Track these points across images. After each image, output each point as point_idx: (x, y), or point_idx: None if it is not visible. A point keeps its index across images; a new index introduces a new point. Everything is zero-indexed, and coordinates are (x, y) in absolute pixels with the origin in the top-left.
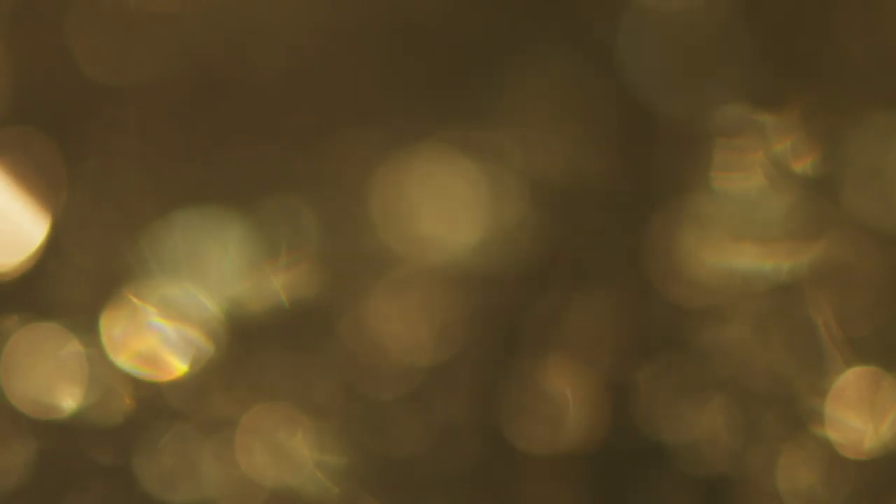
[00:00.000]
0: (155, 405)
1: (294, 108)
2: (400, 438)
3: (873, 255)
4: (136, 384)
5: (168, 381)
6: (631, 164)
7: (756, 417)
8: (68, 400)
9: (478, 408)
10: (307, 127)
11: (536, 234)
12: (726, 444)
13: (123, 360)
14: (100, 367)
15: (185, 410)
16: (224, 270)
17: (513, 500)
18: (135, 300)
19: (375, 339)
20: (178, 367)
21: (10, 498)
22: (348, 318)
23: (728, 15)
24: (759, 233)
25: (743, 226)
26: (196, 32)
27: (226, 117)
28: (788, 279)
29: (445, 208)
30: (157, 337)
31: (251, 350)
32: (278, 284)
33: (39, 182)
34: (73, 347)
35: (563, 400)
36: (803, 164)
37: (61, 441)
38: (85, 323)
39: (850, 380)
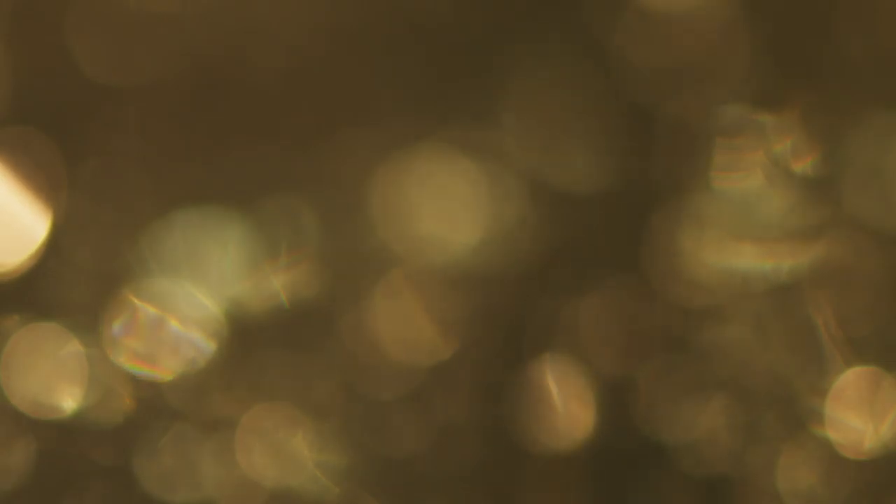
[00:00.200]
0: (155, 405)
1: (294, 108)
2: (400, 438)
3: (873, 255)
4: (136, 384)
5: (168, 380)
6: (631, 164)
7: (756, 417)
8: (68, 400)
9: (478, 408)
10: (307, 127)
11: (536, 234)
12: (726, 444)
13: (123, 360)
14: (100, 367)
15: (185, 410)
16: (224, 270)
17: (513, 500)
18: (135, 300)
19: (375, 339)
20: (177, 366)
21: (10, 498)
22: (348, 318)
23: (728, 15)
24: (759, 233)
25: (743, 226)
26: (196, 32)
27: (226, 117)
28: (788, 279)
29: (445, 208)
30: (157, 337)
31: (251, 350)
32: (278, 284)
33: (40, 182)
34: (73, 347)
35: (563, 400)
36: (803, 164)
37: (61, 441)
38: (85, 323)
39: (850, 380)
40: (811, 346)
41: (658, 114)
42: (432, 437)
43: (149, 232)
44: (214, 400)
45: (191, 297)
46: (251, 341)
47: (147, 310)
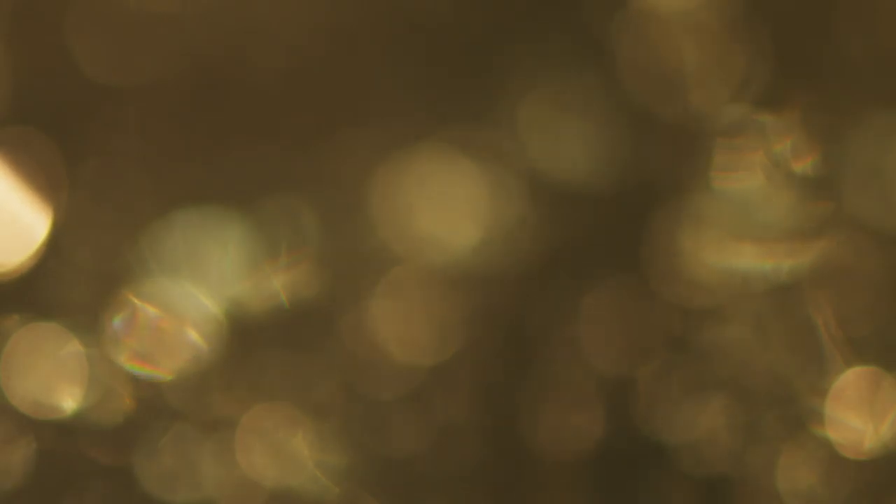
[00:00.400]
0: (155, 405)
1: (294, 108)
2: (400, 438)
3: (873, 255)
4: (136, 384)
5: (168, 380)
6: (631, 163)
7: (756, 417)
8: (68, 400)
9: (478, 408)
10: (307, 127)
11: (536, 234)
12: (726, 444)
13: (123, 360)
14: (100, 367)
15: (185, 410)
16: (224, 270)
17: (513, 500)
18: (135, 300)
19: (375, 339)
20: (177, 366)
21: (10, 498)
22: (348, 318)
23: (728, 15)
24: (759, 233)
25: (743, 226)
26: (196, 32)
27: (226, 117)
28: (788, 279)
29: (445, 208)
30: (157, 337)
31: (251, 350)
32: (278, 284)
33: (40, 182)
34: (73, 347)
35: (564, 400)
36: (803, 164)
37: (61, 441)
38: (85, 323)
39: (850, 380)
40: (811, 346)
41: (658, 114)
42: (432, 437)
43: (149, 232)
44: (214, 400)
45: (191, 297)
46: (251, 341)
47: (147, 310)
